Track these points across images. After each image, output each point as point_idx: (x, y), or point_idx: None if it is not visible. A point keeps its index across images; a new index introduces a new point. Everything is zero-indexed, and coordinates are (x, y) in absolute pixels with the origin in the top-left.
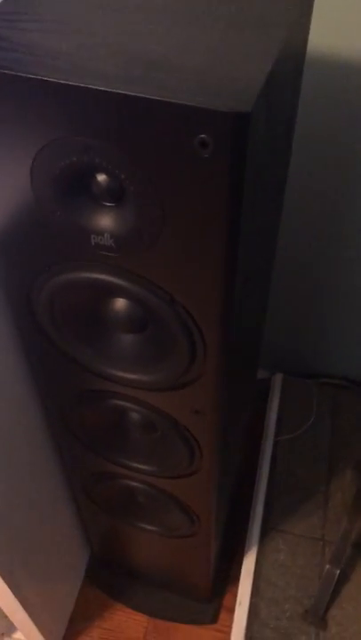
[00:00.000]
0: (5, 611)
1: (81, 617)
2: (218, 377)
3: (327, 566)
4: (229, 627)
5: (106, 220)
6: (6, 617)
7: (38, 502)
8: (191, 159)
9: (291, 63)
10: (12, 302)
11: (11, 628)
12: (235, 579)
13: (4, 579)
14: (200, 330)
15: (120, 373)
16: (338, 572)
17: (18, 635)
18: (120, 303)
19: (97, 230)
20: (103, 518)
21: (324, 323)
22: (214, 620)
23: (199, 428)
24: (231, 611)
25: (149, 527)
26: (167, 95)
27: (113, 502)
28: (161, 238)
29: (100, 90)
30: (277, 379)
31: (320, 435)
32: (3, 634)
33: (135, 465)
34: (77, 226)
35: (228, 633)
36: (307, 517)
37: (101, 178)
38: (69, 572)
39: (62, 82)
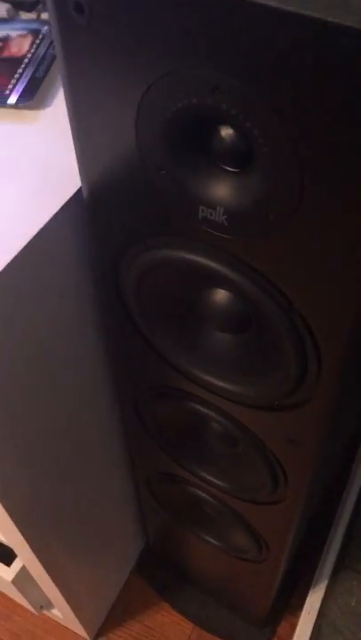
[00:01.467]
0: (43, 588)
1: (123, 608)
2: (327, 407)
3: None
4: None
5: (221, 190)
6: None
7: (97, 482)
8: (357, 115)
9: None
10: (98, 276)
11: (50, 603)
12: (295, 608)
13: (38, 556)
14: (317, 348)
15: (207, 377)
16: None
17: (56, 610)
18: (221, 295)
19: (208, 201)
20: (163, 517)
21: None
22: None
23: (290, 459)
24: None
25: (211, 540)
26: (345, 18)
27: (176, 505)
28: (291, 223)
29: (250, 2)
30: None
31: None
32: (42, 606)
33: (205, 475)
34: (184, 191)
35: None
36: None
37: (226, 132)
38: (118, 560)
39: None
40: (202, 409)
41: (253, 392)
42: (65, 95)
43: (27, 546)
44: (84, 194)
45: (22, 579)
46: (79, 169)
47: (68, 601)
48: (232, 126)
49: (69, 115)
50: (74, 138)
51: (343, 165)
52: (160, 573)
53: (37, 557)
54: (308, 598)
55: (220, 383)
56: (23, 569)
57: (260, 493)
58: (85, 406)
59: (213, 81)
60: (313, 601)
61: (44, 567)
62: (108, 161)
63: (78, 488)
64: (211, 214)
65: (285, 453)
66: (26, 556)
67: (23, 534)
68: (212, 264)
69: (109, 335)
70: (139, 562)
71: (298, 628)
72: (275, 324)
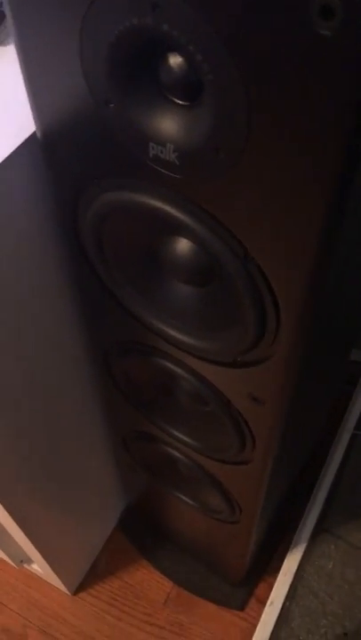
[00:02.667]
0: (19, 544)
1: (104, 565)
2: (289, 363)
3: None
4: (256, 619)
5: (170, 124)
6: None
7: (76, 439)
8: (304, 38)
9: None
10: (58, 220)
11: (30, 557)
12: (273, 570)
13: (13, 515)
14: (275, 301)
15: (170, 330)
16: None
17: (36, 565)
18: (182, 245)
19: (158, 137)
20: (141, 476)
21: None
22: (241, 606)
23: (256, 418)
24: (261, 602)
25: (186, 500)
26: None
27: (152, 464)
28: (241, 161)
29: None
30: None
31: None
32: (22, 561)
33: (177, 434)
34: (134, 126)
35: (253, 624)
36: None
37: (174, 61)
38: (99, 518)
39: None
40: (169, 365)
41: (215, 347)
42: (11, 29)
43: None
44: (38, 134)
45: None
46: (31, 106)
47: (45, 556)
48: (178, 52)
49: (17, 50)
50: (23, 74)
51: (290, 95)
52: (141, 532)
53: (9, 512)
54: (285, 560)
55: (183, 337)
56: None
57: (228, 453)
58: (57, 361)
59: None
60: (290, 563)
61: (17, 522)
62: (57, 97)
63: (52, 444)
64: (161, 152)
65: (251, 412)
66: None
67: None
68: (166, 207)
69: (75, 287)
70: (121, 520)
71: (274, 588)
72: (232, 274)
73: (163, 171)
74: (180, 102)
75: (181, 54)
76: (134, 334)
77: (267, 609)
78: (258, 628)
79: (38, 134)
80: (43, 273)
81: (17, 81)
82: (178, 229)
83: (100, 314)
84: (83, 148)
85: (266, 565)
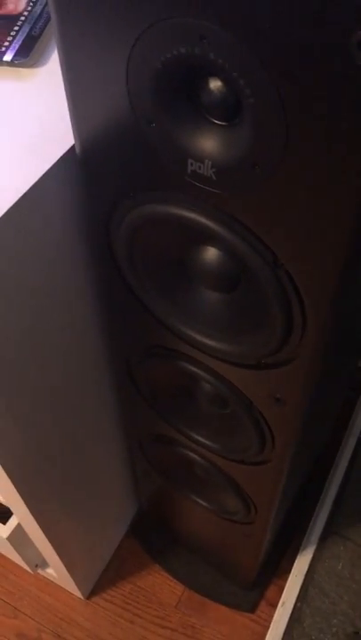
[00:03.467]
0: (38, 546)
1: (116, 569)
2: (312, 365)
3: None
4: (267, 621)
5: (209, 143)
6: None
7: (94, 441)
8: (342, 66)
9: None
10: (91, 232)
11: (45, 562)
12: (283, 572)
13: (33, 513)
14: (302, 305)
15: (196, 335)
16: None
17: (51, 570)
18: (210, 253)
19: (196, 154)
20: (155, 479)
21: None
22: (252, 609)
23: (277, 418)
24: (272, 605)
25: (201, 502)
26: None
27: (168, 467)
28: (276, 176)
29: None
30: None
31: None
32: (37, 565)
33: (196, 437)
34: (173, 145)
35: (264, 626)
36: None
37: (214, 85)
38: (112, 522)
39: None
40: (192, 368)
41: (240, 350)
42: (58, 51)
43: (22, 502)
44: (77, 149)
45: (18, 536)
46: (72, 124)
47: (62, 559)
48: (220, 77)
49: (62, 71)
50: (67, 93)
51: (327, 128)
52: (153, 536)
53: (32, 514)
54: (295, 562)
55: (209, 341)
56: (19, 527)
57: (247, 454)
58: (79, 365)
59: (201, 30)
60: (301, 564)
61: (39, 524)
62: (99, 116)
63: (72, 448)
64: (199, 168)
65: (272, 412)
66: (21, 513)
67: (19, 491)
68: (200, 219)
69: (102, 294)
70: (132, 524)
71: (285, 589)
72: (261, 280)
73: (200, 185)
74: (219, 122)
75: (223, 79)
76: (159, 339)
77: (279, 609)
78: (270, 628)
79: (77, 150)
80: (70, 282)
81: (51, 101)
82: (209, 239)
83: (126, 320)
84: (121, 164)
85: (275, 568)
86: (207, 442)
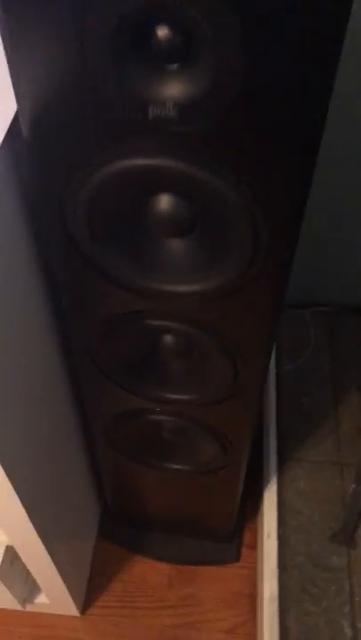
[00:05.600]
0: (35, 571)
1: (100, 574)
2: (280, 275)
3: (353, 485)
4: (253, 562)
5: (168, 84)
6: (27, 582)
7: (53, 454)
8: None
9: None
10: (42, 209)
11: (32, 593)
12: (250, 516)
13: (39, 534)
14: (267, 217)
15: (164, 286)
16: None
17: (39, 599)
18: (165, 202)
19: (157, 98)
20: (121, 465)
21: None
22: (237, 557)
23: (246, 342)
24: (251, 547)
25: (176, 466)
26: None
27: (136, 443)
28: (236, 103)
29: None
30: None
31: (321, 363)
32: (25, 600)
33: (171, 396)
34: (133, 94)
35: (252, 569)
36: (321, 443)
37: (162, 32)
38: (84, 529)
39: None
40: (155, 322)
41: (210, 285)
42: None
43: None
44: (23, 125)
45: (5, 570)
46: (16, 98)
47: (64, 578)
48: (169, 22)
49: (3, 37)
50: (9, 64)
51: (278, 49)
52: (124, 531)
53: (38, 534)
54: (264, 496)
55: (178, 287)
56: (5, 558)
57: (221, 390)
58: (30, 354)
59: None
60: (270, 496)
61: (44, 544)
62: (48, 83)
63: (45, 454)
64: (161, 111)
65: (241, 337)
66: (25, 536)
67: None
68: (166, 162)
69: (55, 270)
70: (100, 527)
71: (265, 523)
72: (227, 205)
73: (163, 128)
74: (172, 66)
75: (174, 22)
76: (121, 306)
77: (265, 542)
78: (264, 561)
79: (24, 126)
80: (22, 257)
81: None
82: (170, 183)
83: (80, 290)
84: (73, 132)
85: (243, 515)
86: (183, 396)
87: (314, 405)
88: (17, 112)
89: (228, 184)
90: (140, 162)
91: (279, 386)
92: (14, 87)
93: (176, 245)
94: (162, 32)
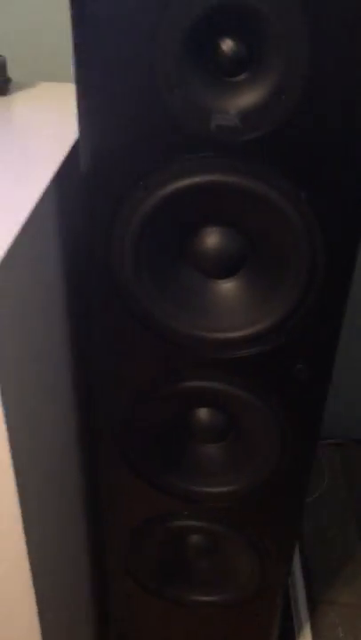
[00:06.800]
0: None
1: None
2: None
3: None
4: None
5: (231, 94)
6: None
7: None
8: None
9: None
10: (91, 246)
11: None
12: None
13: None
14: (325, 239)
15: (212, 334)
16: None
17: None
18: (213, 239)
19: (220, 106)
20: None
21: None
22: None
23: None
24: None
25: (202, 598)
26: None
27: (158, 565)
28: (302, 103)
29: None
30: None
31: (338, 494)
32: None
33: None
34: (197, 104)
35: None
36: (354, 582)
37: (227, 45)
38: None
39: None
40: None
41: (261, 327)
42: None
43: None
44: (83, 149)
45: None
46: (80, 117)
47: None
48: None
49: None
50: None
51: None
52: None
53: None
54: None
55: (226, 335)
56: None
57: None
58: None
59: None
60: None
61: None
62: (113, 103)
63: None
64: (224, 119)
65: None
66: None
67: None
68: (225, 177)
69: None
70: None
71: None
72: (287, 222)
73: (225, 137)
74: (232, 79)
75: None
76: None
77: None
78: None
79: (83, 152)
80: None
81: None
82: (229, 197)
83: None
84: (134, 151)
85: None
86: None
87: (339, 540)
88: (69, 151)
89: (287, 198)
90: (195, 180)
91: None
92: (79, 109)
93: (223, 288)
94: (225, 45)
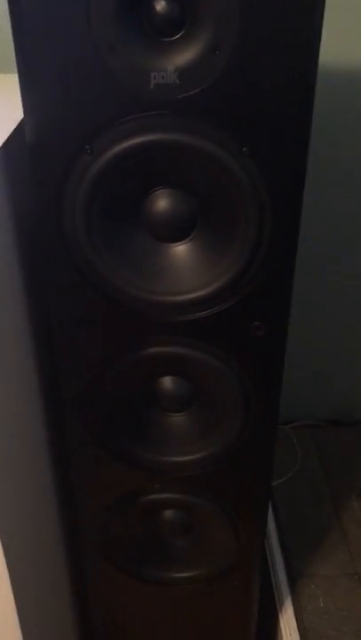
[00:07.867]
0: None
1: None
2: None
3: None
4: None
5: (168, 53)
6: None
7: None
8: None
9: None
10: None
11: None
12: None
13: None
14: (269, 192)
15: (166, 297)
16: None
17: None
18: (164, 200)
19: (159, 66)
20: (114, 585)
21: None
22: None
23: None
24: None
25: (180, 574)
26: None
27: (134, 544)
28: (235, 58)
29: None
30: None
31: (312, 475)
32: None
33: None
34: (135, 64)
35: None
36: (331, 555)
37: (160, 6)
38: None
39: None
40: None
41: (215, 280)
42: None
43: None
44: (27, 119)
45: None
46: (21, 90)
47: None
48: None
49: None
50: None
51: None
52: None
53: None
54: (280, 620)
55: (178, 297)
56: None
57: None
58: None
59: None
60: (287, 619)
61: None
62: (56, 58)
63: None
64: (163, 77)
65: None
66: None
67: None
68: (167, 135)
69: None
70: None
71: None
72: (232, 179)
73: (164, 97)
74: (168, 39)
75: None
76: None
77: None
78: None
79: (28, 122)
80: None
81: None
82: (174, 154)
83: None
84: (76, 113)
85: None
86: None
87: (314, 517)
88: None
89: (229, 153)
90: (140, 139)
91: (275, 501)
92: (20, 78)
93: (180, 251)
94: (160, 6)
